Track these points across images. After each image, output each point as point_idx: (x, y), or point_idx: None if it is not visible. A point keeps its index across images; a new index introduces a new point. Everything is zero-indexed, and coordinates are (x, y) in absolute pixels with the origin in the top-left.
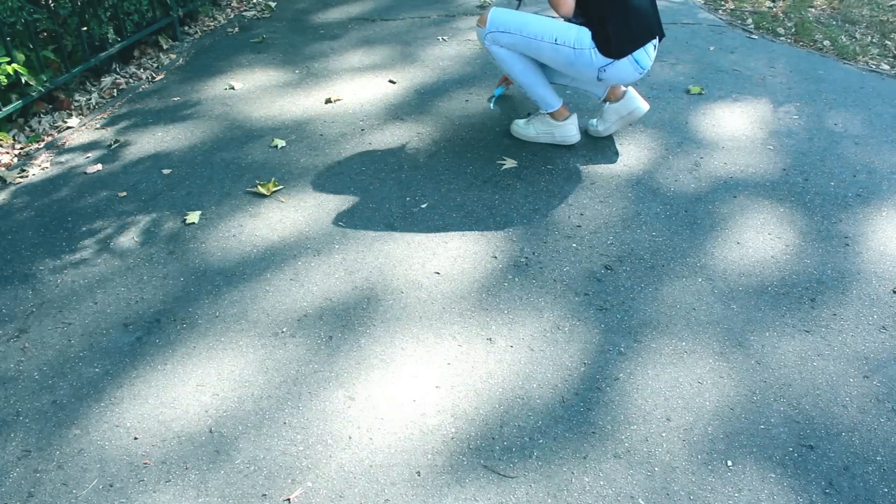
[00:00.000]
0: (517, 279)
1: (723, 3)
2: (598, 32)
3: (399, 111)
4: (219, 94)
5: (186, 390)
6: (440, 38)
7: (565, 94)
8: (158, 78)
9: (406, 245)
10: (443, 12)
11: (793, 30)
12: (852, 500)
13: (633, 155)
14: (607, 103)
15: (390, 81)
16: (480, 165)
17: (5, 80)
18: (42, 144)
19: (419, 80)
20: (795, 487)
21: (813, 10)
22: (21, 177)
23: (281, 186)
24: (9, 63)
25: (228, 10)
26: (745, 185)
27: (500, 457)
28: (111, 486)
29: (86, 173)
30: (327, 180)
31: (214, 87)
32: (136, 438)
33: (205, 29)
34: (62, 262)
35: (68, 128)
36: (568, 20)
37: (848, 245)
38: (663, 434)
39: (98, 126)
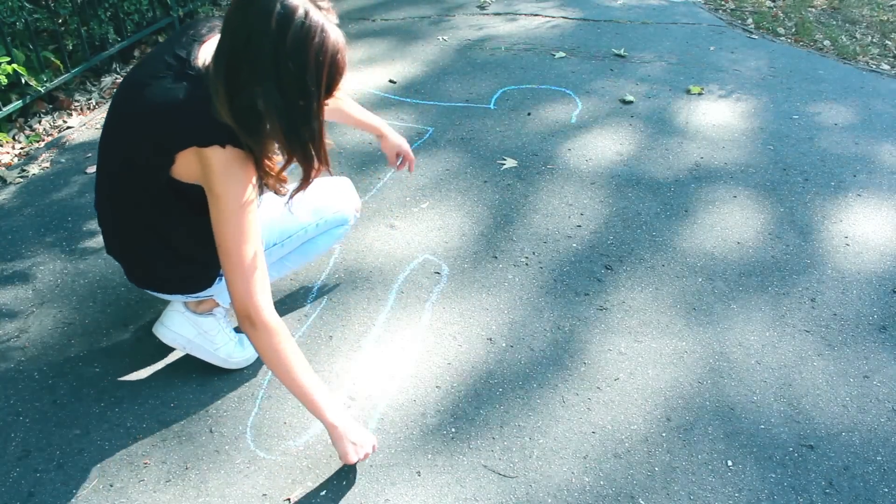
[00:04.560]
0: (517, 279)
1: (723, 3)
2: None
3: (399, 111)
4: None
5: (186, 390)
6: (440, 37)
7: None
8: None
9: (406, 245)
10: (442, 11)
11: (793, 30)
12: (852, 500)
13: (633, 155)
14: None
15: (391, 81)
16: (480, 165)
17: (5, 80)
18: (42, 144)
19: (419, 79)
20: (795, 487)
21: (813, 9)
22: (21, 176)
23: None
24: (9, 63)
25: None
26: (745, 185)
27: (500, 457)
28: (111, 486)
29: (86, 173)
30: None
31: None
32: (136, 438)
33: None
34: (62, 261)
35: (68, 128)
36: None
37: (848, 245)
38: (663, 434)
39: (98, 126)
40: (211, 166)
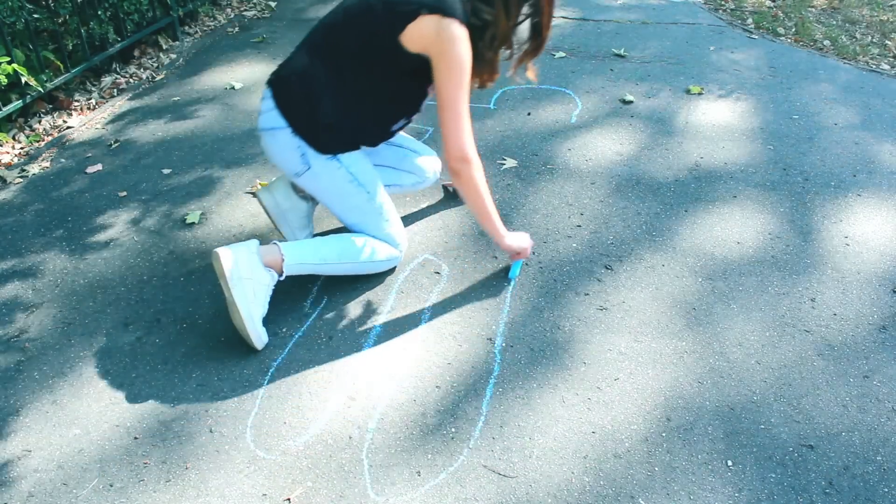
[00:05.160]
0: (517, 279)
1: (723, 2)
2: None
3: None
4: (219, 94)
5: (186, 390)
6: None
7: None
8: (159, 78)
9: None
10: None
11: (793, 29)
12: (852, 499)
13: (633, 155)
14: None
15: None
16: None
17: (5, 80)
18: (42, 144)
19: None
20: (795, 487)
21: (813, 9)
22: (21, 176)
23: None
24: (9, 63)
25: (228, 10)
26: (745, 185)
27: (500, 457)
28: (111, 486)
29: (86, 173)
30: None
31: (215, 86)
32: (136, 438)
33: (205, 29)
34: (62, 261)
35: (68, 127)
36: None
37: (848, 245)
38: (663, 434)
39: (98, 126)
40: (451, 34)
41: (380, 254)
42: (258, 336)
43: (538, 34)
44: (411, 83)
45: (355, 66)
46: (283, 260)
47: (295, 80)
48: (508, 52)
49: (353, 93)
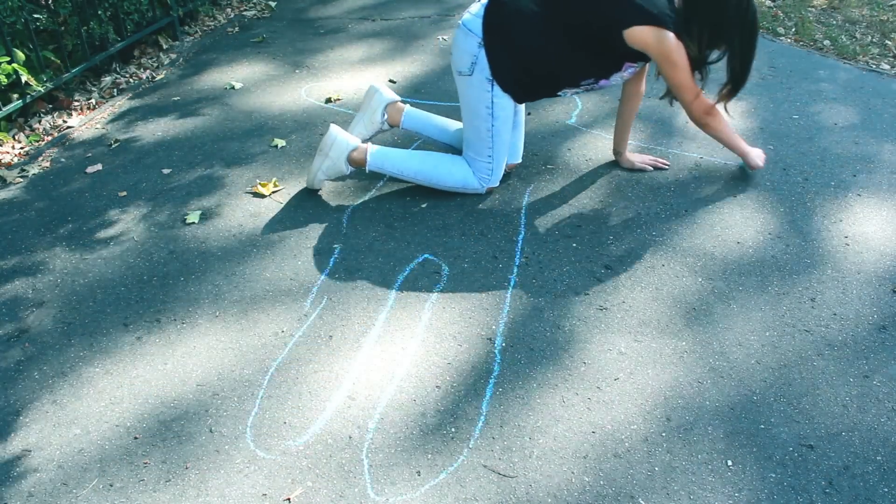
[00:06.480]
0: (517, 279)
1: None
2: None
3: None
4: (219, 94)
5: (186, 390)
6: (439, 36)
7: None
8: (158, 77)
9: (406, 245)
10: (442, 11)
11: (793, 29)
12: (852, 499)
13: None
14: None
15: (390, 81)
16: None
17: (5, 80)
18: (42, 144)
19: (419, 78)
20: (795, 487)
21: (813, 9)
22: (21, 176)
23: (282, 187)
24: (9, 62)
25: (228, 10)
26: (745, 185)
27: (500, 457)
28: (111, 486)
29: (86, 173)
30: (327, 181)
31: (214, 86)
32: (136, 438)
33: (205, 28)
34: (62, 261)
35: (68, 127)
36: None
37: (848, 245)
38: (663, 434)
39: (98, 126)
40: (668, 44)
41: (456, 178)
42: (310, 183)
43: (732, 77)
44: (612, 59)
45: (572, 31)
46: (366, 161)
47: (509, 12)
48: (701, 79)
49: (555, 46)
